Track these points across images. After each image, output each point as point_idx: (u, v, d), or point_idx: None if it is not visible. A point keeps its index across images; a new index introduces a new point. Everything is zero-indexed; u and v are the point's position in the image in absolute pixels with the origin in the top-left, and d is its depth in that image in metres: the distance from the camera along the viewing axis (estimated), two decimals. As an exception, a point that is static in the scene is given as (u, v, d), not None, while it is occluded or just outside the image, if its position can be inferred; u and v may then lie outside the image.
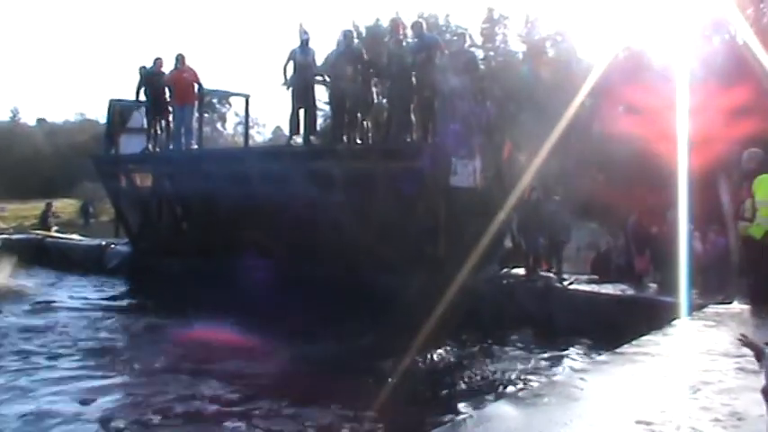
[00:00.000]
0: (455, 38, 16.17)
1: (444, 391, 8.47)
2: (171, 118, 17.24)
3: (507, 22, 44.73)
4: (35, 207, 30.26)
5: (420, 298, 10.94)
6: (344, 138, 14.80)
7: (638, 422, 4.07)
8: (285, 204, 14.27)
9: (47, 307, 14.13)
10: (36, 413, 7.50)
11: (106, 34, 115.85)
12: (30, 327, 12.22)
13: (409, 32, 14.55)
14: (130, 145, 18.59)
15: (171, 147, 17.42)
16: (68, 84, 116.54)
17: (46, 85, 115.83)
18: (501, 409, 4.66)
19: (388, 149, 14.05)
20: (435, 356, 9.94)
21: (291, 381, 9.16)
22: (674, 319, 8.47)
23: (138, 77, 17.35)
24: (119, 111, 18.96)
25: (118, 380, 9.22)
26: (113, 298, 15.54)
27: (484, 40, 42.45)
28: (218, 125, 63.42)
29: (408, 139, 14.14)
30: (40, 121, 69.07)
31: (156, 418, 7.54)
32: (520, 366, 9.88)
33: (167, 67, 17.23)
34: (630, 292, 12.29)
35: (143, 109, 18.09)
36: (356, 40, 14.94)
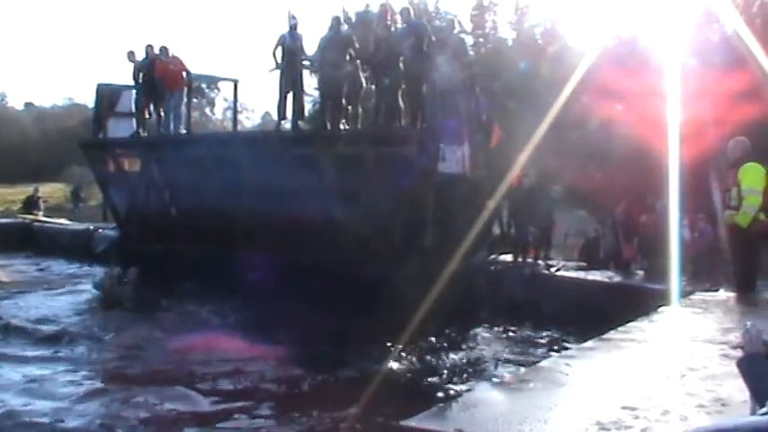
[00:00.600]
0: (444, 24, 16.13)
1: (430, 378, 8.49)
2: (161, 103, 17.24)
3: (497, 9, 44.69)
4: (23, 191, 30.11)
5: (409, 285, 10.94)
6: (331, 124, 14.80)
7: (624, 407, 4.09)
8: (273, 190, 14.25)
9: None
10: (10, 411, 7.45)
11: (94, 17, 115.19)
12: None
13: (398, 18, 14.47)
14: (119, 129, 18.50)
15: (161, 131, 17.39)
16: (56, 68, 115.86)
17: (33, 69, 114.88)
18: (486, 394, 4.68)
19: (377, 135, 14.04)
20: (422, 343, 9.96)
21: (275, 368, 9.19)
22: (661, 306, 8.50)
23: (129, 64, 17.40)
24: (107, 95, 18.85)
25: (93, 372, 9.21)
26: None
27: (473, 27, 42.33)
28: (207, 110, 63.20)
29: (396, 126, 14.13)
30: (28, 105, 68.65)
31: (137, 413, 7.51)
32: (506, 352, 9.95)
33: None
34: (618, 279, 12.34)
35: (131, 93, 18.01)
36: (345, 26, 14.86)
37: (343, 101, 14.68)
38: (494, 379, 7.51)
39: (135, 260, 16.55)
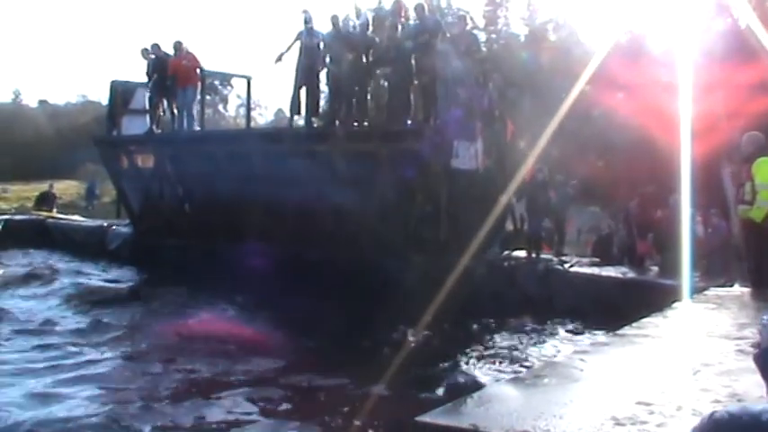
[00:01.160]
0: (456, 20, 16.11)
1: (444, 373, 8.48)
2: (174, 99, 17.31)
3: (509, 5, 44.64)
4: (37, 188, 30.22)
5: (421, 281, 10.95)
6: (339, 120, 14.85)
7: (639, 403, 4.08)
8: (286, 186, 14.29)
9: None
10: (23, 401, 7.48)
11: (108, 15, 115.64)
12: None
13: (412, 15, 14.48)
14: (133, 126, 18.58)
15: (175, 128, 17.46)
16: (70, 65, 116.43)
17: (48, 67, 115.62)
18: (501, 390, 4.68)
19: (389, 132, 14.05)
20: (435, 338, 9.95)
21: (288, 363, 9.19)
22: (675, 301, 8.48)
23: (143, 61, 17.45)
24: (120, 92, 18.92)
25: (107, 365, 9.21)
26: (111, 280, 15.54)
27: (486, 23, 42.31)
28: (220, 107, 63.36)
29: (409, 122, 14.15)
30: (42, 102, 68.96)
31: (146, 405, 7.51)
32: (520, 348, 9.93)
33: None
34: (631, 274, 12.31)
35: (145, 90, 18.06)
36: (353, 22, 14.92)
37: (350, 98, 14.73)
38: (508, 375, 7.52)
39: (148, 256, 16.68)
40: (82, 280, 15.18)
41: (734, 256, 12.07)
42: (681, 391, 4.37)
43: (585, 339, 9.38)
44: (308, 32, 15.06)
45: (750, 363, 3.18)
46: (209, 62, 17.46)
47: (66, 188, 40.14)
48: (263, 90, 77.56)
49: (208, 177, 16.12)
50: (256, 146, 15.61)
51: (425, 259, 12.45)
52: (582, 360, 5.24)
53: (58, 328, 10.99)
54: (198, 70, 17.23)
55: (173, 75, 16.95)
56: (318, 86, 15.49)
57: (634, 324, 6.63)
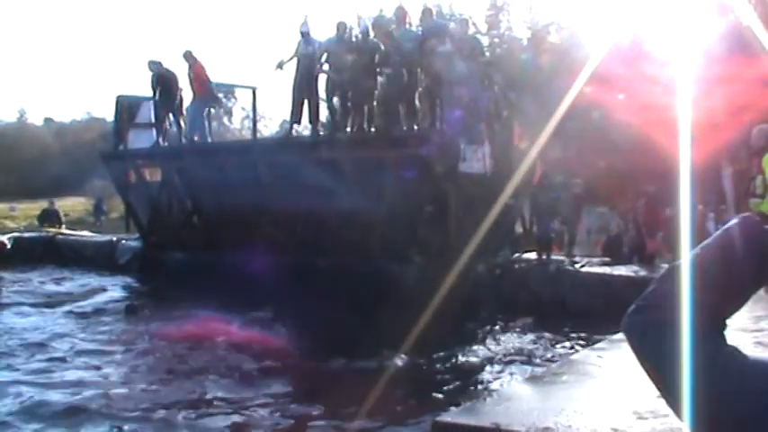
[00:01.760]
0: (458, 24, 16.16)
1: (460, 374, 8.48)
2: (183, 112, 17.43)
3: (511, 9, 44.70)
4: (44, 206, 30.30)
5: (431, 285, 10.93)
6: (345, 127, 14.94)
7: (660, 396, 4.06)
8: (294, 195, 14.30)
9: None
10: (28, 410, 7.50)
11: (111, 31, 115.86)
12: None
13: (414, 21, 14.57)
14: (139, 140, 18.65)
15: (183, 140, 17.54)
16: (75, 82, 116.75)
17: (52, 85, 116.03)
18: (520, 388, 4.68)
19: (396, 137, 14.07)
20: (449, 342, 9.94)
21: (298, 370, 9.19)
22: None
23: (148, 74, 17.50)
24: (126, 106, 18.99)
25: (113, 376, 9.23)
26: (121, 294, 15.57)
27: (488, 28, 42.37)
28: (225, 120, 63.41)
29: (415, 127, 14.19)
30: (48, 120, 69.15)
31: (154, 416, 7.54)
32: (534, 348, 9.91)
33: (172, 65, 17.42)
34: (643, 273, 12.27)
35: (151, 104, 18.11)
36: (357, 29, 15.03)
37: (348, 104, 14.82)
38: (526, 373, 7.50)
39: (158, 270, 16.71)
40: (91, 294, 15.21)
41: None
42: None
43: (600, 338, 9.35)
44: (305, 41, 15.11)
45: (768, 354, 3.16)
46: (212, 75, 17.46)
47: (74, 205, 40.23)
48: (267, 102, 77.65)
49: (216, 189, 16.15)
50: (264, 156, 15.64)
51: (434, 263, 12.44)
52: (599, 357, 5.23)
53: (65, 342, 10.95)
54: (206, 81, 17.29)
55: (196, 82, 16.97)
56: (317, 94, 15.53)
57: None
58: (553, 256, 13.83)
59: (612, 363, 5.02)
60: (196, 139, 17.20)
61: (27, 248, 20.15)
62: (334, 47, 14.85)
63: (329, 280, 12.78)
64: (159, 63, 17.47)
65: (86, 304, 14.09)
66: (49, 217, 24.84)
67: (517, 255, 14.15)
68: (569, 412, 3.89)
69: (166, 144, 17.94)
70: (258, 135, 26.60)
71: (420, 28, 14.34)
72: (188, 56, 17.00)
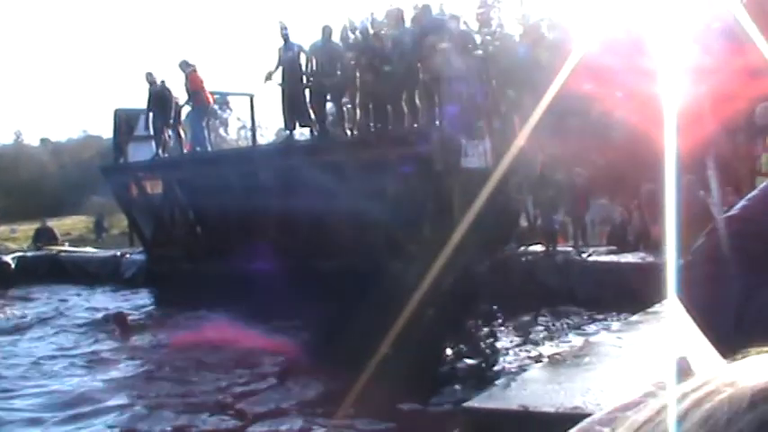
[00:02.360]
0: (450, 19, 16.15)
1: (480, 363, 8.48)
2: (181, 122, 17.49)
3: (501, 5, 44.66)
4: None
5: (437, 281, 10.92)
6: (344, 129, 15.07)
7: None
8: (296, 199, 14.29)
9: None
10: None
11: (103, 47, 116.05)
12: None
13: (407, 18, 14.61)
14: (139, 153, 18.62)
15: (183, 151, 17.57)
16: (69, 101, 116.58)
17: (47, 105, 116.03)
18: (543, 371, 4.69)
19: (396, 136, 14.08)
20: (461, 334, 9.95)
21: (312, 369, 9.19)
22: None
23: (141, 89, 17.56)
24: (125, 119, 18.99)
25: (121, 385, 9.26)
26: (127, 307, 15.57)
27: (480, 25, 42.33)
28: (221, 130, 63.38)
29: (415, 125, 14.22)
30: (44, 140, 69.07)
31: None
32: (549, 336, 9.93)
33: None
34: (650, 259, 12.27)
35: (149, 115, 18.09)
36: (352, 33, 15.07)
37: (348, 105, 14.92)
38: (547, 356, 7.49)
39: (163, 281, 16.69)
40: (96, 309, 15.22)
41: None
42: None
43: (615, 323, 9.37)
44: (285, 46, 15.13)
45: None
46: (207, 83, 17.52)
47: (75, 223, 40.22)
48: (263, 110, 77.22)
49: (218, 198, 16.11)
50: (264, 162, 15.64)
51: (438, 259, 12.43)
52: (618, 338, 5.24)
53: (70, 356, 11.01)
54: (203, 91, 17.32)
55: (193, 91, 17.02)
56: (304, 99, 15.54)
57: (663, 302, 6.60)
58: (559, 248, 13.83)
59: (631, 343, 5.04)
60: (198, 149, 17.22)
61: (31, 267, 20.14)
62: (320, 51, 14.87)
63: (334, 281, 12.75)
64: (155, 78, 17.42)
65: (91, 318, 14.10)
66: (44, 235, 24.75)
67: (523, 248, 14.14)
68: (596, 391, 3.90)
69: (166, 155, 17.92)
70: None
71: (417, 25, 14.33)
72: (183, 65, 16.99)
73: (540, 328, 10.60)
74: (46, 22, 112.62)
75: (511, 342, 9.80)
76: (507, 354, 9.08)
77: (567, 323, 10.70)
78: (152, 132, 17.98)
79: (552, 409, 3.67)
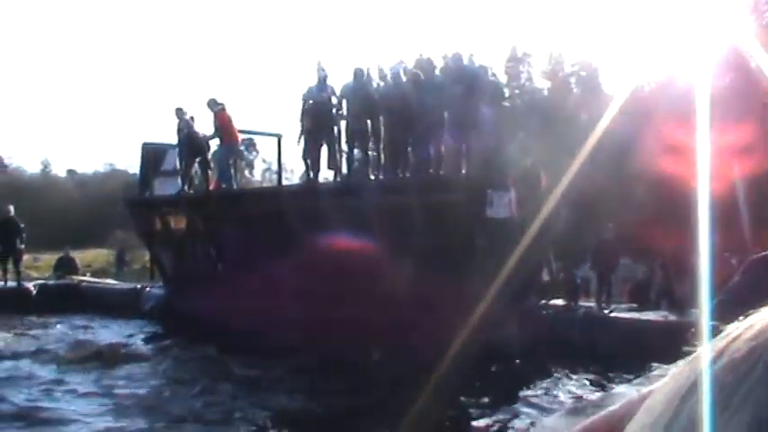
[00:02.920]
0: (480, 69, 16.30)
1: (498, 413, 8.40)
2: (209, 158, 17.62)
3: (531, 60, 44.91)
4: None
5: (458, 331, 10.83)
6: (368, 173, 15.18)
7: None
8: (322, 242, 14.25)
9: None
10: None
11: (131, 81, 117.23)
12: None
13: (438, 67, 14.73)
14: (165, 188, 18.74)
15: (208, 188, 17.69)
16: (97, 135, 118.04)
17: (75, 137, 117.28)
18: (564, 419, 4.59)
19: (422, 183, 14.09)
20: (480, 386, 9.86)
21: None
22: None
23: (168, 125, 17.79)
24: (152, 154, 19.15)
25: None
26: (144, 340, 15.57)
27: (509, 79, 42.60)
28: (246, 172, 63.79)
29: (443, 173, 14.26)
30: (71, 172, 69.87)
31: None
32: (568, 389, 9.81)
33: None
34: (673, 317, 12.16)
35: (176, 151, 18.23)
36: (382, 81, 15.22)
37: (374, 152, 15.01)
38: (567, 406, 7.39)
39: (181, 317, 16.66)
40: (114, 340, 15.21)
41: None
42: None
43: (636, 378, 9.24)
44: (319, 87, 15.29)
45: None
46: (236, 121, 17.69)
47: (96, 256, 40.41)
48: (288, 153, 77.39)
49: (240, 237, 16.16)
50: (289, 203, 15.64)
51: (460, 309, 12.33)
52: (638, 390, 5.15)
53: (85, 381, 11.01)
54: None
55: (221, 129, 17.16)
56: (336, 140, 15.63)
57: (686, 358, 6.52)
58: (581, 303, 13.74)
59: (654, 396, 4.95)
60: (224, 185, 17.33)
61: (52, 296, 20.21)
62: (351, 93, 14.99)
63: (353, 330, 12.64)
64: (185, 113, 17.56)
65: (107, 346, 14.11)
66: (66, 265, 24.91)
67: (544, 302, 14.04)
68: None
69: (191, 191, 18.02)
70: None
71: (447, 74, 14.42)
72: (212, 104, 17.12)
73: (562, 380, 10.49)
74: (76, 55, 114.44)
75: (529, 392, 9.70)
76: (527, 404, 8.98)
77: (590, 378, 10.58)
78: (179, 167, 18.13)
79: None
